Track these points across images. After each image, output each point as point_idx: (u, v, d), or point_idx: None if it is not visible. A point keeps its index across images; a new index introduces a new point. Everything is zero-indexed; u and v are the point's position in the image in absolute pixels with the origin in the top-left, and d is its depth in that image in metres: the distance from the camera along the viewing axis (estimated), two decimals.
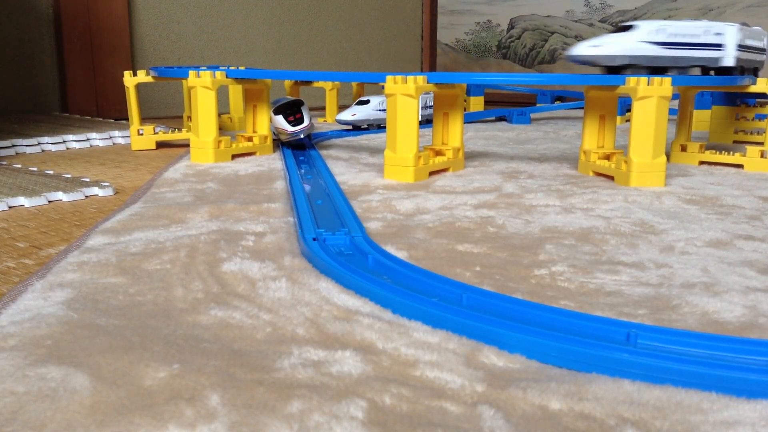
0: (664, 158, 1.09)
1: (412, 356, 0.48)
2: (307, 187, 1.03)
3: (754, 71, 1.32)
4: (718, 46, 1.21)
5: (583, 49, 1.20)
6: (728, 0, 2.61)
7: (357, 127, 1.85)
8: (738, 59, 1.23)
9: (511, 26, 3.21)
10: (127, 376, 0.44)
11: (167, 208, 0.90)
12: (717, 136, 1.65)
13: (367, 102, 1.87)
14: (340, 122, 1.86)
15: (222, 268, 0.66)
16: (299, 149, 1.44)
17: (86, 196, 1.03)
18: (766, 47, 1.29)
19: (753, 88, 1.25)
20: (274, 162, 1.32)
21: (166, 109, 2.37)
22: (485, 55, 3.28)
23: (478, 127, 1.98)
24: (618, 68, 1.19)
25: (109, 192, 1.06)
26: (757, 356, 0.46)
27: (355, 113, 1.84)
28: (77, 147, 1.59)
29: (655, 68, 1.20)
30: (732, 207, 0.96)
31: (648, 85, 1.07)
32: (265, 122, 1.44)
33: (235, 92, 1.91)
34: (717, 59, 1.22)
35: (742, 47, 1.23)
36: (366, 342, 0.50)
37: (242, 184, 1.10)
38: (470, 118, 2.15)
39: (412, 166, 1.12)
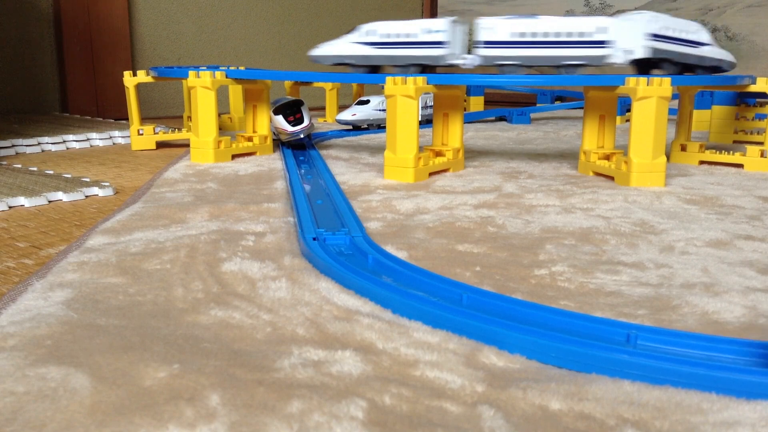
0: (664, 158, 1.09)
1: (412, 356, 0.48)
2: (307, 187, 1.03)
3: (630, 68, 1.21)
4: (438, 44, 1.19)
5: (313, 50, 1.32)
6: (728, 0, 2.61)
7: (357, 127, 1.85)
8: (486, 57, 1.19)
9: None
10: (127, 376, 0.44)
11: (167, 208, 0.90)
12: (717, 136, 1.65)
13: (367, 102, 1.87)
14: (340, 122, 1.86)
15: (222, 268, 0.66)
16: (299, 149, 1.44)
17: (86, 196, 1.03)
18: (610, 39, 1.14)
19: (752, 88, 1.25)
20: (274, 162, 1.32)
21: (166, 109, 2.37)
22: None
23: (478, 127, 1.98)
24: (375, 68, 1.27)
25: (109, 192, 1.06)
26: (756, 358, 0.46)
27: (355, 113, 1.84)
28: (77, 147, 1.59)
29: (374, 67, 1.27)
30: (732, 207, 0.96)
31: (648, 85, 1.07)
32: (265, 122, 1.44)
33: (235, 92, 1.91)
34: (438, 57, 1.20)
35: (495, 43, 1.18)
36: (366, 342, 0.50)
37: (242, 184, 1.10)
38: (470, 118, 2.15)
39: (412, 167, 1.12)
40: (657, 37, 1.14)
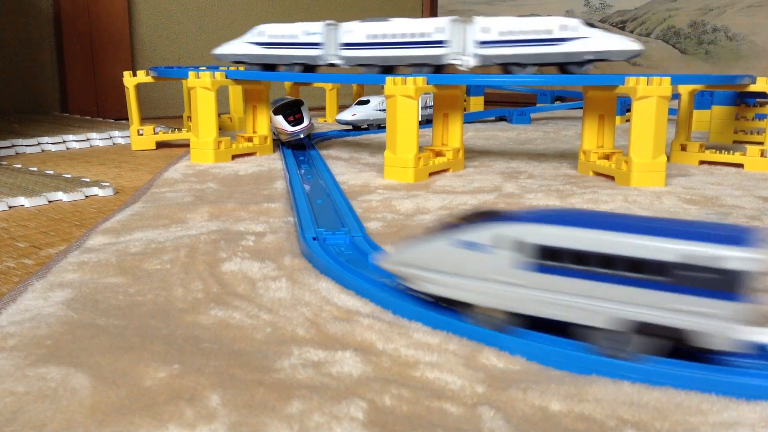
0: (665, 158, 1.09)
1: (412, 357, 0.48)
2: (307, 187, 1.03)
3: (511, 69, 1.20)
4: (316, 45, 1.29)
5: (216, 48, 1.45)
6: (728, 0, 2.61)
7: (357, 127, 1.85)
8: (347, 58, 1.26)
9: None
10: (127, 376, 0.44)
11: (167, 208, 0.90)
12: (717, 136, 1.65)
13: (367, 102, 1.87)
14: (340, 122, 1.86)
15: (222, 268, 0.66)
16: (299, 149, 1.44)
17: (86, 196, 1.03)
18: (447, 39, 1.16)
19: (752, 88, 1.25)
20: (274, 162, 1.32)
21: (166, 109, 2.37)
22: None
23: (478, 127, 1.98)
24: (270, 66, 1.40)
25: (109, 192, 1.06)
26: (757, 359, 0.46)
27: (355, 113, 1.84)
28: (77, 147, 1.59)
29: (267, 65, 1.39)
30: (732, 207, 0.96)
31: (648, 84, 1.07)
32: (265, 123, 1.44)
33: (235, 92, 1.91)
34: (315, 57, 1.30)
35: (355, 45, 1.25)
36: (366, 342, 0.50)
37: (242, 184, 1.10)
38: (470, 118, 2.15)
39: (412, 167, 1.12)
40: (489, 43, 1.15)
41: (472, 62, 1.16)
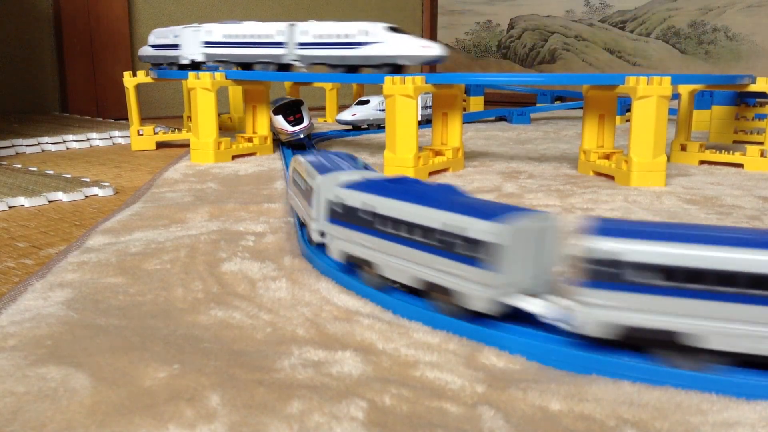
0: (665, 157, 1.09)
1: (412, 357, 0.48)
2: None
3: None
4: (175, 47, 1.50)
5: (139, 50, 1.65)
6: (728, 0, 2.61)
7: (357, 127, 1.85)
8: (208, 54, 1.44)
9: (511, 26, 3.21)
10: (127, 376, 0.44)
11: (167, 208, 0.90)
12: (717, 136, 1.65)
13: (367, 102, 1.87)
14: (340, 122, 1.86)
15: (222, 268, 0.66)
16: (299, 149, 1.45)
17: (86, 196, 1.03)
18: (284, 41, 1.32)
19: (752, 88, 1.25)
20: (274, 162, 1.32)
21: (166, 109, 2.37)
22: (485, 55, 3.28)
23: (478, 127, 1.98)
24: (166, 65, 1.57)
25: (109, 192, 1.06)
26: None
27: (355, 113, 1.84)
28: (77, 147, 1.59)
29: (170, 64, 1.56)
30: (732, 207, 0.96)
31: (648, 84, 1.07)
32: (265, 123, 1.44)
33: (235, 92, 1.91)
34: (176, 57, 1.50)
35: (214, 43, 1.43)
36: (366, 342, 0.50)
37: (242, 184, 1.10)
38: (470, 118, 2.15)
39: (411, 167, 1.12)
40: (307, 45, 1.30)
41: (299, 62, 1.31)
